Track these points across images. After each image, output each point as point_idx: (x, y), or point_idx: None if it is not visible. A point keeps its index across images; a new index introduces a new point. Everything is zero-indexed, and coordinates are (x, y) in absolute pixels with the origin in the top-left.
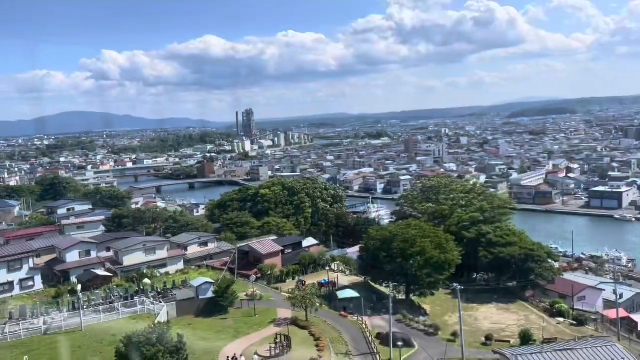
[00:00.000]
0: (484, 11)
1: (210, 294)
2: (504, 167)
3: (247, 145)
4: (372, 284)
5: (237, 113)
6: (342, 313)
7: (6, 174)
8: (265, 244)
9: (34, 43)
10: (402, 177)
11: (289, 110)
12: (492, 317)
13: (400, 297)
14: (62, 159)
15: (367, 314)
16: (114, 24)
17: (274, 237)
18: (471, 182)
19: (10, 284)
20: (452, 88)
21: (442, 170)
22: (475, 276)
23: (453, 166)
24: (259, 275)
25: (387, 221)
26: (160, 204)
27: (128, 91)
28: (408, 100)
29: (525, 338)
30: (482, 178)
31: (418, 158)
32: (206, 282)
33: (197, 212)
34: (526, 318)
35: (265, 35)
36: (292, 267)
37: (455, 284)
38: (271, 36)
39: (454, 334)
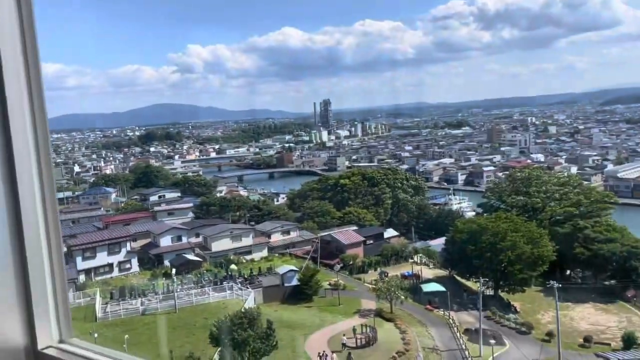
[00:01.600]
0: None
1: (295, 282)
2: (597, 158)
3: (325, 135)
4: (458, 278)
5: (314, 104)
6: (428, 307)
7: (102, 162)
8: (347, 234)
9: (126, 40)
10: (485, 168)
11: (366, 100)
12: (590, 317)
13: (488, 293)
14: (151, 149)
15: (454, 308)
16: (199, 19)
17: (355, 228)
18: (565, 174)
19: (110, 265)
20: (539, 75)
21: (528, 161)
22: (568, 273)
23: (541, 157)
24: (341, 265)
25: (470, 213)
26: (242, 192)
27: (211, 83)
28: (491, 88)
29: (629, 341)
30: (574, 169)
31: (502, 148)
32: (291, 270)
33: (277, 201)
34: (628, 320)
35: (342, 25)
36: (374, 258)
37: (551, 282)
38: (348, 26)
39: (549, 334)
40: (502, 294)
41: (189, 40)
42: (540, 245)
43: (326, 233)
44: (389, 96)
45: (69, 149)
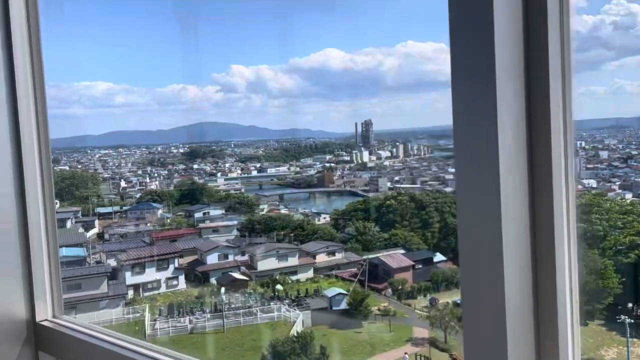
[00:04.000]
0: (624, 15)
1: (343, 306)
2: None
3: (366, 155)
4: None
5: (355, 124)
6: None
7: (147, 178)
8: (395, 258)
9: (172, 60)
10: None
11: (408, 121)
12: None
13: None
14: (195, 166)
15: None
16: (242, 39)
17: (402, 251)
18: (628, 202)
19: (158, 282)
20: (587, 98)
21: (579, 186)
22: (633, 307)
23: (593, 182)
24: (391, 290)
25: None
26: (283, 211)
27: (253, 103)
28: None
29: None
30: (628, 196)
31: None
32: (340, 293)
33: (319, 220)
34: None
35: (384, 45)
36: (424, 283)
37: (623, 316)
38: (390, 47)
39: None
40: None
41: (233, 61)
42: (604, 276)
43: (373, 256)
44: (431, 117)
45: (116, 164)
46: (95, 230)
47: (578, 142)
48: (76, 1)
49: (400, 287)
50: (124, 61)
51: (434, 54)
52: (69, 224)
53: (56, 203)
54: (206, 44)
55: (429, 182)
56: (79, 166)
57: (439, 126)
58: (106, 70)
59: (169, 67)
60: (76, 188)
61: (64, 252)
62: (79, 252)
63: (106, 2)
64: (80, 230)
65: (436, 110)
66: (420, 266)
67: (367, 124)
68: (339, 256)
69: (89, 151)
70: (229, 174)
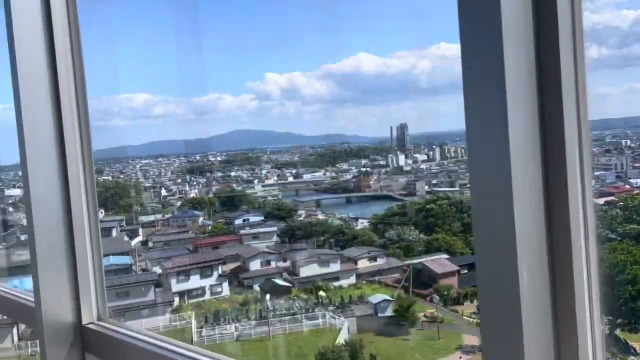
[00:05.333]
0: None
1: (389, 312)
2: None
3: (401, 159)
4: None
5: (390, 127)
6: None
7: (187, 186)
8: (440, 263)
9: (207, 70)
10: None
11: (443, 123)
12: None
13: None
14: (232, 174)
15: None
16: (275, 47)
17: (446, 256)
18: None
19: (202, 289)
20: (631, 94)
21: (626, 186)
22: None
23: None
24: (438, 296)
25: None
26: (321, 216)
27: (287, 110)
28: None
29: None
30: None
31: (596, 173)
32: (385, 300)
33: (357, 225)
34: None
35: (416, 49)
36: (470, 289)
37: None
38: (423, 49)
39: None
40: (619, 333)
41: (267, 69)
42: None
43: (417, 261)
44: None
45: (156, 174)
46: (139, 238)
47: (623, 141)
48: (113, 13)
49: (446, 293)
50: (161, 72)
51: None
52: (114, 232)
53: (101, 212)
54: (240, 53)
55: (468, 185)
56: (121, 176)
57: None
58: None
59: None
60: (120, 197)
61: (111, 260)
62: (126, 260)
63: (143, 12)
64: (125, 238)
65: None
66: (465, 271)
67: (403, 127)
68: (380, 262)
69: (130, 161)
70: (266, 181)
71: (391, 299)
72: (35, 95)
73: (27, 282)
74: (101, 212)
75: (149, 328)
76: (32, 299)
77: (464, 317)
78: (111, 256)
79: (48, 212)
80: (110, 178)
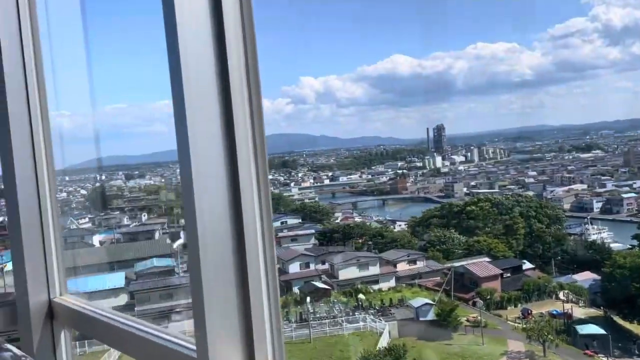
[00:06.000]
0: None
1: (431, 316)
2: None
3: (439, 161)
4: (617, 319)
5: (427, 129)
6: (587, 352)
7: None
8: (482, 266)
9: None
10: (624, 195)
11: (481, 125)
12: None
13: None
14: (269, 177)
15: (615, 354)
16: (310, 51)
17: (487, 259)
18: None
19: None
20: None
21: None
22: None
23: None
24: (481, 300)
25: (615, 245)
26: (357, 219)
27: (322, 113)
28: (623, 108)
29: None
30: None
31: None
32: (427, 304)
33: (394, 228)
34: None
35: (452, 49)
36: (513, 293)
37: None
38: (459, 50)
39: None
40: None
41: (302, 73)
42: None
43: (458, 264)
44: (506, 119)
45: None
46: (180, 241)
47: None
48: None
49: (488, 297)
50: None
51: (506, 54)
52: (157, 235)
53: (144, 215)
54: (275, 57)
55: (509, 187)
56: (163, 180)
57: (514, 128)
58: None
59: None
60: (161, 200)
61: (155, 262)
62: (168, 262)
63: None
64: (168, 241)
65: (510, 111)
66: (508, 275)
67: (439, 129)
68: (420, 264)
69: (170, 165)
70: (302, 184)
71: (432, 302)
72: (203, 98)
73: (80, 282)
74: (144, 216)
75: (191, 332)
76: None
77: (509, 322)
78: (154, 258)
79: (216, 226)
80: (152, 182)
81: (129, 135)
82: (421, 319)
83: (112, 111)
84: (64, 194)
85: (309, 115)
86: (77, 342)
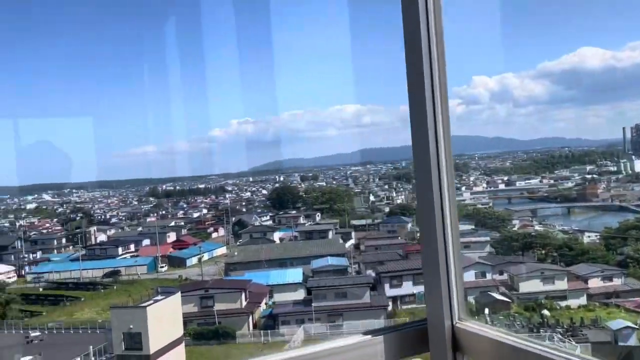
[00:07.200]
0: None
1: (633, 341)
2: None
3: (638, 165)
4: None
5: (623, 129)
6: None
7: (394, 193)
8: None
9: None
10: None
11: None
12: None
13: None
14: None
15: None
16: (483, 48)
17: None
18: None
19: (415, 295)
20: None
21: None
22: None
23: None
24: None
25: None
26: (537, 227)
27: (497, 113)
28: None
29: None
30: None
31: None
32: (627, 327)
33: (582, 239)
34: None
35: None
36: None
37: None
38: None
39: None
40: None
41: (474, 72)
42: None
43: None
44: None
45: (365, 180)
46: (352, 242)
47: None
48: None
49: None
50: (369, 82)
51: None
52: (330, 235)
53: (317, 215)
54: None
55: None
56: (334, 182)
57: None
58: (350, 94)
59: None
60: (334, 202)
61: (329, 260)
62: (342, 261)
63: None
64: (340, 241)
65: None
66: None
67: (638, 128)
68: (617, 282)
69: (340, 168)
70: (474, 188)
71: (635, 326)
72: (428, 102)
73: (262, 275)
74: (317, 216)
75: (361, 331)
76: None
77: None
78: (329, 257)
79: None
80: (324, 184)
81: (302, 140)
82: (620, 343)
83: (289, 117)
84: (248, 194)
85: (481, 116)
86: None
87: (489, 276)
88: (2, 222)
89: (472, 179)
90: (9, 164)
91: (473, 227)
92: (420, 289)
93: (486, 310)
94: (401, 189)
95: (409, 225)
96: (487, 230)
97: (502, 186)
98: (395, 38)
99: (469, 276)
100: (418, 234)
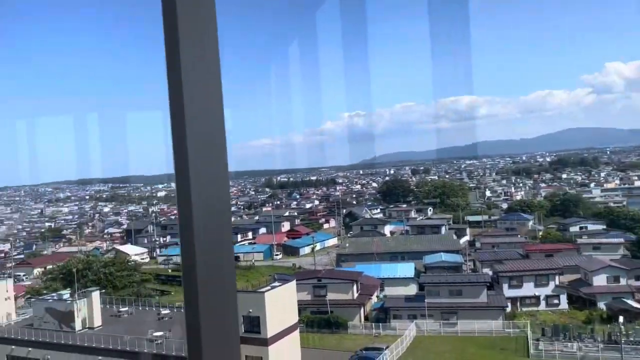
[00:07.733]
0: None
1: None
2: None
3: None
4: None
5: None
6: None
7: (512, 188)
8: None
9: (536, 66)
10: None
11: None
12: None
13: None
14: (563, 176)
15: None
16: (618, 33)
17: None
18: None
19: (537, 298)
20: None
21: None
22: None
23: None
24: None
25: None
26: None
27: (634, 103)
28: None
29: None
30: None
31: None
32: None
33: None
34: None
35: None
36: None
37: None
38: None
39: None
40: None
41: (608, 58)
42: None
43: None
44: None
45: (480, 174)
46: (466, 238)
47: None
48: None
49: None
50: (488, 72)
51: None
52: (443, 230)
53: (429, 210)
54: (574, 44)
55: None
56: (447, 176)
57: None
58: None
59: (533, 73)
60: (447, 197)
61: (443, 257)
62: (457, 258)
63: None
64: (454, 237)
65: None
66: None
67: None
68: None
69: (454, 161)
70: (606, 185)
71: None
72: None
73: (373, 268)
74: (429, 210)
75: (478, 329)
76: None
77: None
78: (442, 253)
79: None
80: (436, 178)
81: (414, 132)
82: None
83: (402, 109)
84: (358, 186)
85: (615, 106)
86: None
87: (622, 281)
88: (137, 208)
89: (602, 174)
90: (159, 154)
91: (604, 227)
92: (542, 290)
93: (620, 319)
94: (520, 184)
95: (530, 222)
96: (621, 232)
97: (638, 183)
98: (514, 27)
99: (600, 280)
100: (540, 233)
